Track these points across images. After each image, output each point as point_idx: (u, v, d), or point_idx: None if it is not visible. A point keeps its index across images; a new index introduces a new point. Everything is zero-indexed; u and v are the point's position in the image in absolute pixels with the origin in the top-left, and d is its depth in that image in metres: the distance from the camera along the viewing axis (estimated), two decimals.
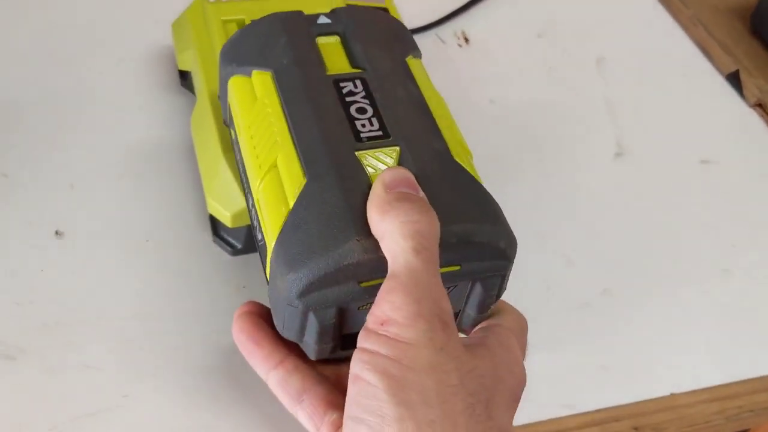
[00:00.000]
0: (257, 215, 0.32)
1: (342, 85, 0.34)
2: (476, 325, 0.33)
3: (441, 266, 0.29)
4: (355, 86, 0.34)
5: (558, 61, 0.58)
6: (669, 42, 0.62)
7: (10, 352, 0.37)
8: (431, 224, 0.28)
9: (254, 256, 0.42)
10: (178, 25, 0.49)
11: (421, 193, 0.29)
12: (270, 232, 0.30)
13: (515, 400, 0.29)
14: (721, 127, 0.56)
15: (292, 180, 0.30)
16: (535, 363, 0.33)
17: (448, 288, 0.30)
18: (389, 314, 0.26)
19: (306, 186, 0.30)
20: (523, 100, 0.54)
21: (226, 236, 0.41)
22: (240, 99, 0.35)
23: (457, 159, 0.32)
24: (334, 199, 0.29)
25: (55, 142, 0.46)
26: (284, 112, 0.33)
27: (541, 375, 0.35)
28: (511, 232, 0.31)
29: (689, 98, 0.58)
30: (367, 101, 0.33)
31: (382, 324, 0.26)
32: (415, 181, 0.29)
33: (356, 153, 0.31)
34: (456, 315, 0.32)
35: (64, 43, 0.52)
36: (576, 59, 0.59)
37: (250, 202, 0.34)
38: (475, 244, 0.29)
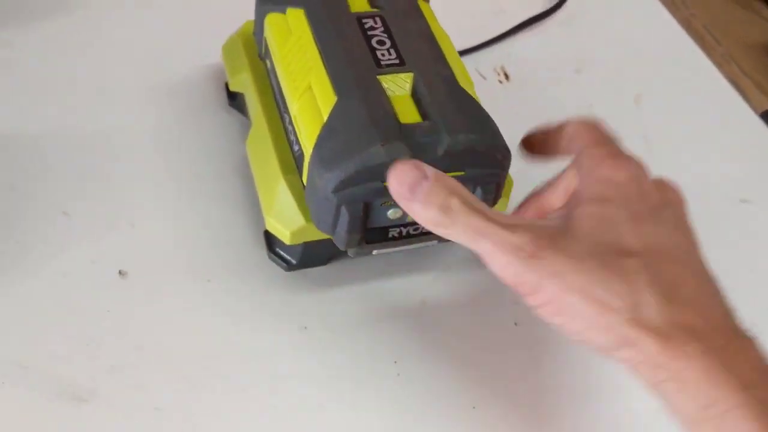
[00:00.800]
0: (294, 130, 0.38)
1: (364, 21, 0.40)
2: None
3: (449, 171, 0.36)
4: (375, 22, 0.40)
5: (597, 97, 0.57)
6: (703, 79, 0.61)
7: (82, 394, 0.37)
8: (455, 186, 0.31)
9: (309, 296, 0.43)
10: (228, 48, 0.49)
11: (429, 170, 0.32)
12: (307, 142, 0.36)
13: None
14: (759, 165, 0.56)
15: (325, 98, 0.37)
16: None
17: None
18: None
19: (337, 103, 0.36)
20: None
21: (281, 252, 0.42)
22: (276, 32, 0.41)
23: (461, 84, 0.38)
24: (360, 113, 0.35)
25: (110, 177, 0.46)
26: (316, 43, 0.39)
27: None
28: (506, 145, 0.37)
29: (725, 136, 0.57)
30: (386, 35, 0.39)
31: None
32: (420, 166, 0.32)
33: (378, 77, 0.37)
34: None
35: (111, 73, 0.52)
36: (614, 95, 0.58)
37: (287, 120, 0.40)
38: (476, 152, 0.36)
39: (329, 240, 0.40)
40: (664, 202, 0.32)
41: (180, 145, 0.48)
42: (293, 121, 0.39)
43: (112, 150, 0.47)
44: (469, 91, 0.38)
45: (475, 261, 0.33)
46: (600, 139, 0.34)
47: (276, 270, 0.43)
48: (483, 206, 0.31)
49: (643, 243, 0.30)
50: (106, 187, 0.45)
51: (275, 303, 0.42)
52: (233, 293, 0.42)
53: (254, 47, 0.47)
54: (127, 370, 0.38)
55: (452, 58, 0.40)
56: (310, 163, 0.36)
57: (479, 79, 0.57)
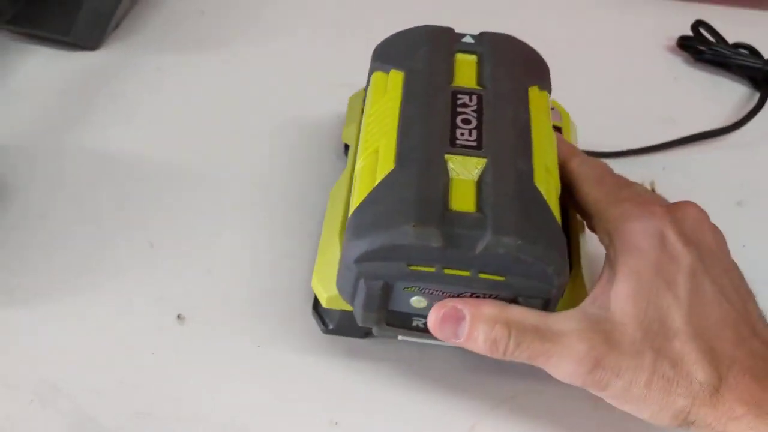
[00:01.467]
0: (352, 191, 0.37)
1: (459, 96, 0.37)
2: None
3: (486, 272, 0.32)
4: (470, 100, 0.37)
5: (756, 237, 0.49)
6: None
7: None
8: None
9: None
10: (353, 99, 0.50)
11: (465, 308, 0.33)
12: (354, 204, 0.35)
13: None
14: None
15: (384, 164, 0.35)
16: None
17: (491, 296, 0.33)
18: None
19: (392, 171, 0.34)
20: None
21: (322, 313, 0.41)
22: (374, 91, 0.40)
23: (538, 184, 0.34)
24: (408, 186, 0.33)
25: (205, 217, 0.46)
26: (400, 108, 0.37)
27: None
28: (566, 262, 0.33)
29: None
30: (475, 115, 0.36)
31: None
32: (455, 308, 0.33)
33: (446, 155, 0.34)
34: None
35: (240, 111, 0.53)
36: None
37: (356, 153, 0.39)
38: (520, 261, 0.31)
39: None
40: (693, 257, 0.34)
41: (284, 194, 0.48)
42: (354, 180, 0.37)
43: (218, 187, 0.48)
44: (545, 192, 0.34)
45: None
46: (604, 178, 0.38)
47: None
48: (531, 316, 0.33)
49: (684, 316, 0.32)
50: (198, 226, 0.46)
51: (310, 389, 0.39)
52: (277, 364, 0.40)
53: None
54: (150, 421, 0.37)
55: (542, 154, 0.36)
56: (346, 226, 0.34)
57: None
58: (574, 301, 0.36)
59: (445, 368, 0.40)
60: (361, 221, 0.33)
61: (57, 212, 0.46)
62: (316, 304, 0.41)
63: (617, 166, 0.51)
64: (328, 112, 0.53)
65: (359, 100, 0.48)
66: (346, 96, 0.52)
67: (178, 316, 0.41)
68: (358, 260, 0.32)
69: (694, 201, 0.50)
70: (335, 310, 0.39)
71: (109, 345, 0.40)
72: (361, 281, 0.33)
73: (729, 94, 0.59)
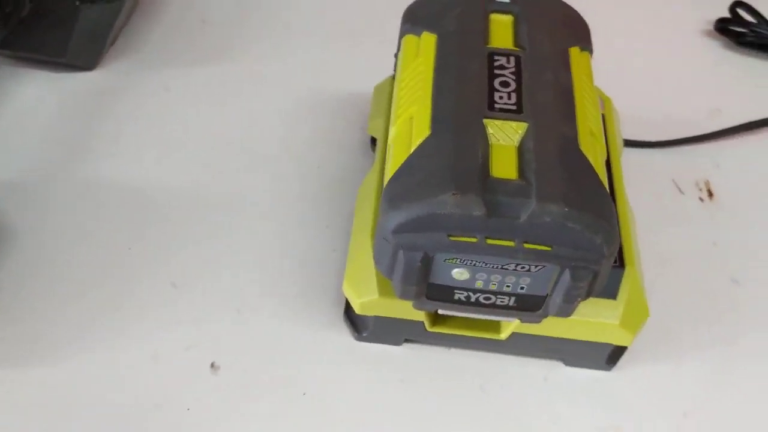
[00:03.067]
0: (387, 159, 0.35)
1: (496, 58, 0.35)
2: (561, 313, 0.33)
3: (531, 242, 0.30)
4: (508, 62, 0.35)
5: None
6: None
7: None
8: None
9: None
10: (379, 89, 0.48)
11: None
12: (389, 173, 0.33)
13: None
14: None
15: (419, 131, 0.33)
16: None
17: (537, 267, 0.31)
18: None
19: (427, 138, 0.32)
20: None
21: (354, 319, 0.40)
22: (405, 55, 0.38)
23: (583, 149, 0.32)
24: (446, 153, 0.31)
25: (230, 251, 0.43)
26: (434, 72, 0.35)
27: None
28: (615, 230, 0.31)
29: None
30: (514, 77, 0.34)
31: None
32: None
33: (484, 120, 0.32)
34: (543, 299, 0.33)
35: (255, 127, 0.50)
36: None
37: (385, 148, 0.37)
38: (568, 229, 0.30)
39: (405, 320, 0.37)
40: None
41: (310, 201, 0.46)
42: (388, 149, 0.35)
43: (240, 208, 0.45)
44: (591, 157, 0.32)
45: None
46: None
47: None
48: None
49: None
50: (222, 259, 0.42)
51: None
52: (325, 407, 0.37)
53: None
54: None
55: (585, 117, 0.34)
56: (381, 197, 0.32)
57: (675, 192, 0.48)
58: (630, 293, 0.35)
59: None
60: (397, 191, 0.31)
61: (68, 255, 0.42)
62: (348, 309, 0.40)
63: (665, 158, 0.50)
64: (349, 108, 0.51)
65: (385, 90, 0.46)
66: (368, 89, 0.50)
67: (212, 365, 0.38)
68: (396, 231, 0.31)
69: (756, 195, 0.48)
70: (369, 317, 0.38)
71: (138, 403, 0.37)
72: (400, 253, 0.31)
73: None
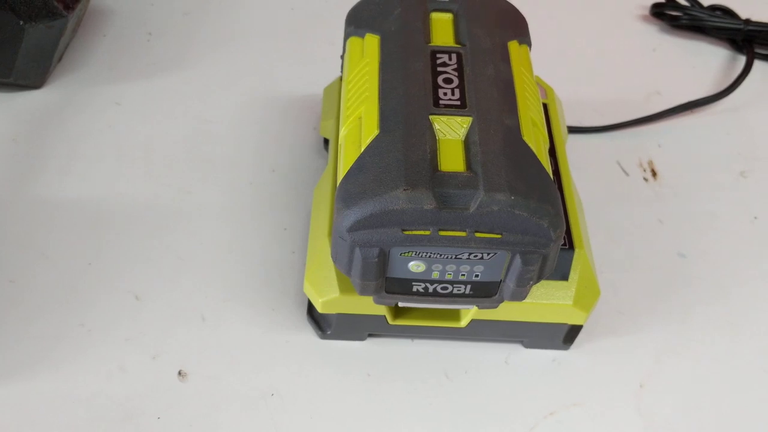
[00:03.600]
0: (338, 159, 0.36)
1: (438, 55, 0.36)
2: (516, 297, 0.34)
3: (482, 231, 0.31)
4: (450, 59, 0.36)
5: (765, 208, 0.48)
6: None
7: None
8: None
9: None
10: (328, 90, 0.48)
11: None
12: (341, 173, 0.34)
13: None
14: None
15: (368, 130, 0.34)
16: None
17: (489, 254, 0.32)
18: None
19: (377, 137, 0.33)
20: (721, 256, 0.46)
21: (318, 318, 0.41)
22: (350, 57, 0.39)
23: (526, 139, 0.34)
24: (395, 151, 0.32)
25: (190, 258, 0.43)
26: (379, 72, 0.36)
27: None
28: (561, 215, 0.32)
29: None
30: (456, 74, 0.36)
31: None
32: None
33: (430, 116, 0.34)
34: (497, 285, 0.34)
35: (207, 133, 0.50)
36: None
37: (337, 148, 0.38)
38: (516, 216, 0.31)
39: (367, 316, 0.38)
40: None
41: (268, 204, 0.46)
42: (339, 150, 0.36)
43: (197, 217, 0.45)
44: (534, 147, 0.34)
45: None
46: None
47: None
48: None
49: None
50: (183, 268, 0.43)
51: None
52: (296, 403, 0.38)
53: None
54: None
55: (527, 108, 0.35)
56: (335, 196, 0.33)
57: (621, 174, 0.50)
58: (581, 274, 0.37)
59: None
60: (350, 190, 0.32)
61: (26, 274, 0.42)
62: (311, 309, 0.41)
63: (609, 142, 0.52)
64: (300, 110, 0.52)
65: (334, 92, 0.47)
66: (318, 91, 0.51)
67: (179, 372, 0.39)
68: (351, 229, 0.32)
69: (696, 172, 0.50)
70: (331, 315, 0.39)
71: (108, 415, 0.37)
72: (357, 250, 0.32)
73: (711, 60, 0.58)
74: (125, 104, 0.52)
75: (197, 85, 0.53)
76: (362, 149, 0.33)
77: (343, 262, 0.34)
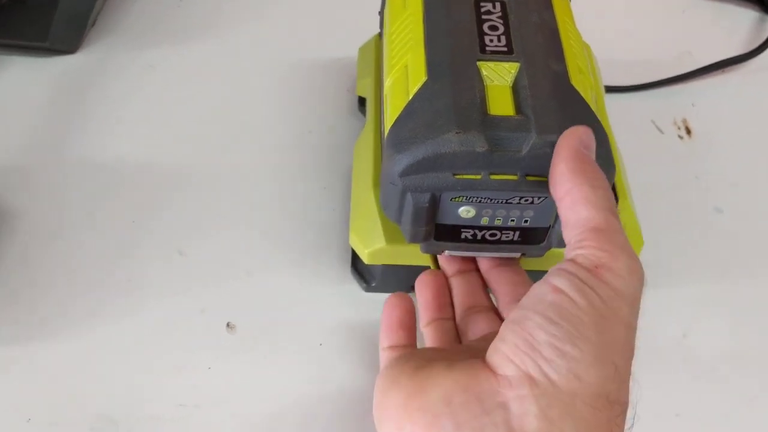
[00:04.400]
0: (384, 108, 0.36)
1: (482, 4, 0.36)
2: (563, 244, 0.34)
3: (533, 173, 0.32)
4: (494, 7, 0.36)
5: None
6: None
7: None
8: (612, 195, 0.30)
9: None
10: (363, 50, 0.49)
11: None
12: (388, 121, 0.34)
13: None
14: None
15: (416, 77, 0.34)
16: None
17: (539, 199, 0.33)
18: (605, 262, 0.27)
19: (425, 83, 0.33)
20: (757, 210, 0.46)
21: (362, 271, 0.41)
22: (392, 9, 0.39)
23: (574, 83, 0.34)
24: (444, 96, 0.32)
25: (230, 215, 0.44)
26: (423, 21, 0.36)
27: None
28: (611, 157, 0.32)
29: None
30: (501, 21, 0.36)
31: (596, 267, 0.27)
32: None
33: (477, 62, 0.34)
34: (546, 231, 0.34)
35: (241, 98, 0.50)
36: None
37: (382, 98, 0.38)
38: None
39: (412, 267, 0.38)
40: None
41: (304, 163, 0.47)
42: (384, 98, 0.36)
43: (234, 176, 0.46)
44: (582, 91, 0.34)
45: None
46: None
47: None
48: None
49: None
50: (223, 224, 0.43)
51: None
52: (342, 355, 0.38)
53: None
54: None
55: (573, 55, 0.35)
56: (385, 143, 0.34)
57: (656, 132, 0.50)
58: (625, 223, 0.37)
59: None
60: (401, 135, 0.32)
61: (69, 232, 0.42)
62: (355, 262, 0.41)
63: (643, 101, 0.52)
64: (331, 72, 0.52)
65: (370, 50, 0.47)
66: (350, 52, 0.51)
67: (228, 325, 0.39)
68: (403, 174, 0.32)
69: (731, 130, 0.50)
70: (377, 266, 0.39)
71: (162, 367, 0.38)
72: (408, 195, 0.33)
73: (740, 21, 0.58)
74: (159, 68, 0.52)
75: (229, 49, 0.54)
76: (410, 96, 0.34)
77: (393, 209, 0.34)
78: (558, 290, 0.27)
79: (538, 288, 0.28)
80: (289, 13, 0.57)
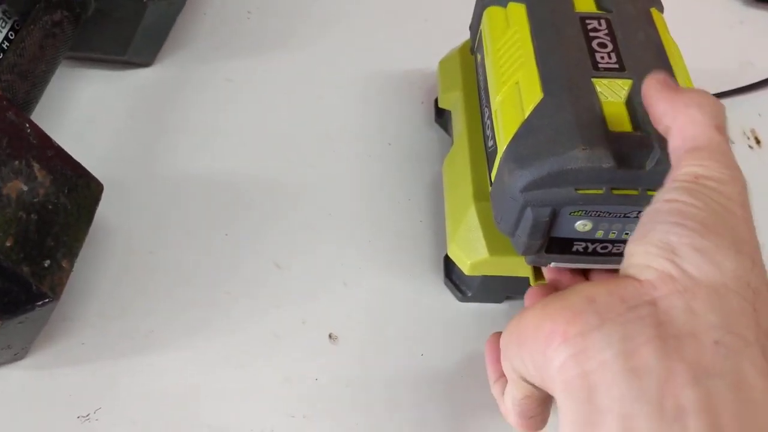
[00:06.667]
0: (492, 125, 0.37)
1: (587, 21, 0.37)
2: None
3: (654, 189, 0.32)
4: (600, 24, 0.37)
5: None
6: None
7: None
8: (723, 107, 0.30)
9: None
10: (445, 63, 0.49)
11: None
12: (503, 137, 0.35)
13: None
14: None
15: (531, 95, 0.35)
16: None
17: None
18: (703, 172, 0.28)
19: (542, 100, 0.34)
20: None
21: (458, 281, 0.41)
22: (493, 26, 0.39)
23: None
24: (565, 113, 0.33)
25: (321, 227, 0.45)
26: (532, 39, 0.37)
27: None
28: None
29: None
30: (609, 38, 0.36)
31: (696, 178, 0.27)
32: None
33: (592, 79, 0.35)
34: None
35: (321, 109, 0.51)
36: None
37: (486, 115, 0.39)
38: None
39: (509, 277, 0.39)
40: None
41: (387, 175, 0.48)
42: (493, 114, 0.37)
43: (320, 189, 0.46)
44: None
45: None
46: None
47: None
48: None
49: None
50: (317, 241, 0.44)
51: None
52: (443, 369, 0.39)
53: (472, 66, 0.45)
54: None
55: (679, 70, 0.36)
56: (502, 159, 0.34)
57: None
58: None
59: None
60: (522, 151, 0.33)
61: (165, 246, 0.43)
62: (449, 272, 0.42)
63: None
64: (404, 85, 0.53)
65: (454, 64, 0.48)
66: (428, 68, 0.51)
67: (330, 336, 0.40)
68: (525, 189, 0.33)
69: None
70: (475, 277, 0.40)
71: (271, 379, 0.38)
72: (528, 210, 0.33)
73: None
74: (237, 81, 0.52)
75: (303, 62, 0.54)
76: (526, 113, 0.34)
77: (509, 222, 0.34)
78: (671, 200, 0.27)
79: (650, 207, 0.28)
80: (352, 28, 0.57)
